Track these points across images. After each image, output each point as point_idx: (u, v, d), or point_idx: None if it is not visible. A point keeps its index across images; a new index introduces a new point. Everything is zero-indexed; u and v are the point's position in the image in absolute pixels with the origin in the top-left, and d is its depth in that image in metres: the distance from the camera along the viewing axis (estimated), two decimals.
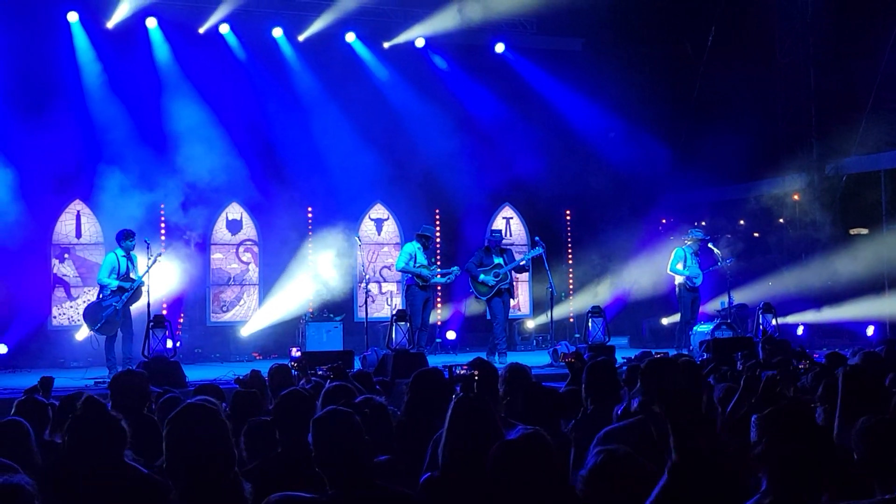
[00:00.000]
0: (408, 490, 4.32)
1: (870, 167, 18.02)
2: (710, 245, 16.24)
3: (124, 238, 13.62)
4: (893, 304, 16.90)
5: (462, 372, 5.61)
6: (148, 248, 13.50)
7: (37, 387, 7.42)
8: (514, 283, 16.04)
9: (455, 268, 15.55)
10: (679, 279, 15.72)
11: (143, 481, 4.37)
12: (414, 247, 15.03)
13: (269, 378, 7.85)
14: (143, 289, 13.50)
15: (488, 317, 15.54)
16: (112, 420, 4.45)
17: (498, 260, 15.08)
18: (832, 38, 18.41)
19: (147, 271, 13.42)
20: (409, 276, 14.99)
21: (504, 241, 16.53)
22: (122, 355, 13.47)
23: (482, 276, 14.99)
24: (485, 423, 4.57)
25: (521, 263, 15.51)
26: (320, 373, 7.36)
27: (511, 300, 15.71)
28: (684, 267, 15.65)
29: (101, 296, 13.65)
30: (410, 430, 5.64)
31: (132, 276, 13.54)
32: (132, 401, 6.32)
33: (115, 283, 13.45)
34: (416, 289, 14.86)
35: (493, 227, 18.06)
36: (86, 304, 14.51)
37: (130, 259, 13.67)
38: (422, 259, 14.90)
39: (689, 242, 15.75)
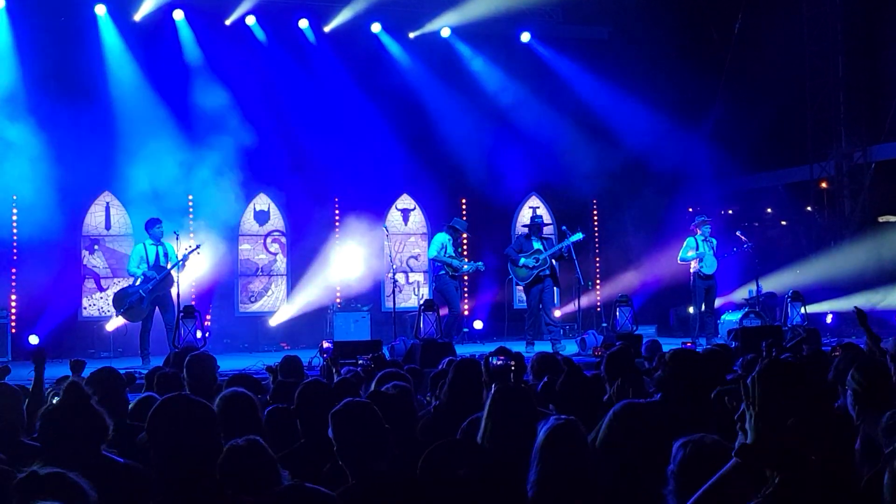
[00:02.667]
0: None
1: None
2: (737, 233, 16.18)
3: (152, 225, 13.93)
4: None
5: (499, 362, 5.61)
6: (177, 238, 13.70)
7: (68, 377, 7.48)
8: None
9: (480, 262, 15.46)
10: (693, 266, 15.57)
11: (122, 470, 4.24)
12: (445, 237, 15.03)
13: (279, 366, 7.94)
14: (173, 279, 13.68)
15: (518, 305, 15.32)
16: (92, 412, 4.28)
17: (538, 245, 14.87)
18: (860, 25, 18.31)
19: (177, 263, 13.62)
20: (439, 265, 15.00)
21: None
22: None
23: (522, 260, 14.73)
24: (527, 411, 4.59)
25: (562, 251, 14.94)
26: (361, 362, 7.41)
27: (556, 288, 15.45)
28: (695, 254, 15.51)
29: (134, 283, 13.93)
30: (446, 418, 5.67)
31: (168, 265, 13.74)
32: (206, 382, 6.58)
33: (140, 272, 13.74)
34: (447, 277, 14.89)
35: (535, 213, 17.90)
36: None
37: (164, 248, 13.85)
38: (451, 250, 14.92)
39: (698, 232, 15.61)
